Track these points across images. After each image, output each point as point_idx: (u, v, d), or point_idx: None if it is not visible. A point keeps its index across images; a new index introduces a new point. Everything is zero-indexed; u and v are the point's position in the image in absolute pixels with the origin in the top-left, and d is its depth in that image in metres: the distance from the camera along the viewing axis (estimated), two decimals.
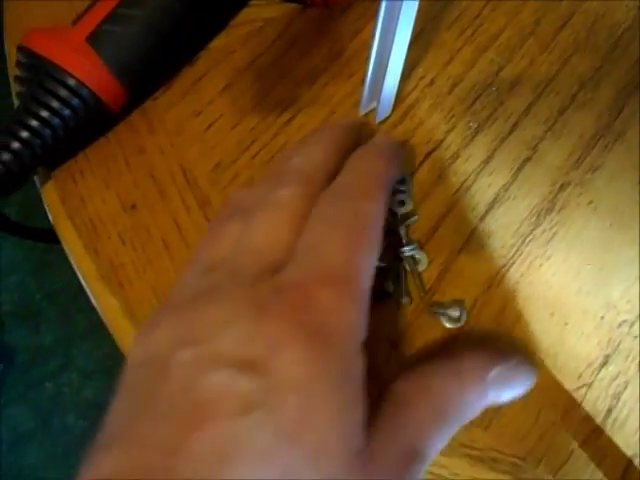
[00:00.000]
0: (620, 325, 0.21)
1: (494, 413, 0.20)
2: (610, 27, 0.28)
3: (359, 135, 0.25)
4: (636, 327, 0.21)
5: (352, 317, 0.16)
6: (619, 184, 0.24)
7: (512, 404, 0.20)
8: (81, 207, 0.26)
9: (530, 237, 0.23)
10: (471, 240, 0.23)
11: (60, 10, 0.32)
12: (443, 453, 0.20)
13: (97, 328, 1.24)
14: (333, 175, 0.20)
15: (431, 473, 0.19)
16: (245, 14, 0.31)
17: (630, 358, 0.21)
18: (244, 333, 0.15)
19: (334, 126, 0.24)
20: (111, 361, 1.07)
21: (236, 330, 0.15)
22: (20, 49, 0.27)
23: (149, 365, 0.16)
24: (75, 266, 0.26)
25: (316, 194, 0.19)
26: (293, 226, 0.18)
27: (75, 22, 0.27)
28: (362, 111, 0.27)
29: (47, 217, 0.28)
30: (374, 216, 0.18)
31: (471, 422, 0.20)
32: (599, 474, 0.19)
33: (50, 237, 0.32)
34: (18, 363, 1.06)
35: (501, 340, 0.21)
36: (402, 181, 0.24)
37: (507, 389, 0.18)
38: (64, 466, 0.98)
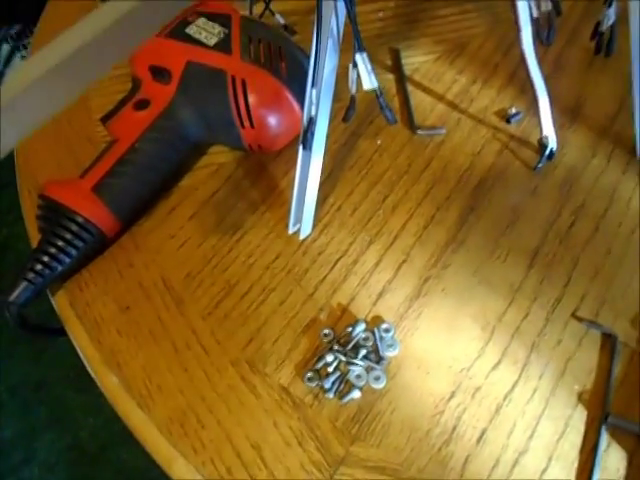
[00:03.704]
0: (461, 371, 0.32)
1: (382, 435, 0.30)
2: (456, 168, 0.41)
3: None
4: (471, 372, 0.32)
5: None
6: (461, 276, 0.36)
7: (392, 428, 0.30)
8: (87, 310, 0.36)
9: (405, 315, 0.34)
10: (367, 319, 0.34)
11: (65, 160, 0.43)
12: (347, 465, 0.29)
13: (59, 419, 1.26)
14: None
15: (339, 479, 0.29)
16: (204, 160, 0.43)
17: (467, 392, 0.31)
18: None
19: None
20: (74, 452, 1.09)
21: None
22: (41, 196, 0.37)
23: None
24: (82, 354, 0.35)
25: None
26: None
27: (82, 175, 0.38)
28: (290, 231, 0.38)
29: None
30: None
31: (367, 442, 0.30)
32: (449, 469, 0.29)
33: (51, 332, 0.40)
34: None
35: None
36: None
37: None
38: None
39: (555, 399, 0.31)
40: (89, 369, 0.35)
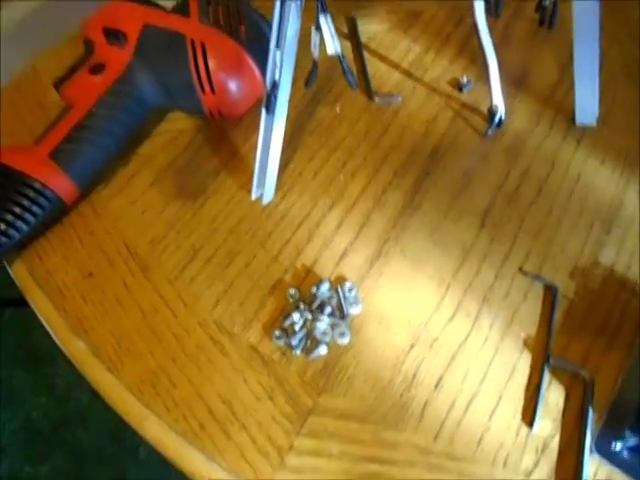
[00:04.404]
0: (419, 325, 0.34)
1: (348, 386, 0.32)
2: (411, 135, 0.43)
3: None
4: (429, 325, 0.34)
5: None
6: (418, 238, 0.38)
7: (357, 379, 0.32)
8: (49, 278, 0.35)
9: (367, 275, 0.36)
10: (331, 279, 0.36)
11: (15, 126, 0.42)
12: (316, 414, 0.31)
13: (9, 400, 1.22)
14: None
15: (311, 429, 0.30)
16: (163, 127, 0.43)
17: (425, 343, 0.34)
18: None
19: None
20: (26, 433, 1.06)
21: None
22: None
23: None
24: (46, 323, 0.35)
25: None
26: None
27: (37, 141, 0.37)
28: (253, 196, 0.39)
29: None
30: None
31: (334, 393, 0.32)
32: (409, 413, 0.31)
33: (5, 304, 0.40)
34: None
35: None
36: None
37: None
38: None
39: (504, 346, 0.34)
40: (54, 337, 0.35)
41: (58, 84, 0.39)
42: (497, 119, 0.41)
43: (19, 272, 0.36)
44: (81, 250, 0.37)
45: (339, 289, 0.35)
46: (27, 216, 0.35)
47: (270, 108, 0.34)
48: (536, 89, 0.45)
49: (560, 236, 0.38)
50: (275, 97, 0.34)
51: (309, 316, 0.34)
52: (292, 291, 0.35)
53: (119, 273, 0.36)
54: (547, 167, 0.41)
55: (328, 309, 0.34)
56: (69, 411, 1.07)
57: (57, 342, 0.34)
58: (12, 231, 0.35)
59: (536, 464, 0.30)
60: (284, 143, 0.37)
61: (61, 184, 0.36)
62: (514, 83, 0.45)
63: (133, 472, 1.00)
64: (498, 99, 0.40)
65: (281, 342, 0.33)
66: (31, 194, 0.35)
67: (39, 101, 0.43)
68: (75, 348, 0.34)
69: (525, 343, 0.34)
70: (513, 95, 0.44)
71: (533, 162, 0.41)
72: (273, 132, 0.36)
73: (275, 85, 0.33)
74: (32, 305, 0.36)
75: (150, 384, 0.32)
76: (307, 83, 0.36)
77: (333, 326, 0.34)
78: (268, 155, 0.37)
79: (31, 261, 0.36)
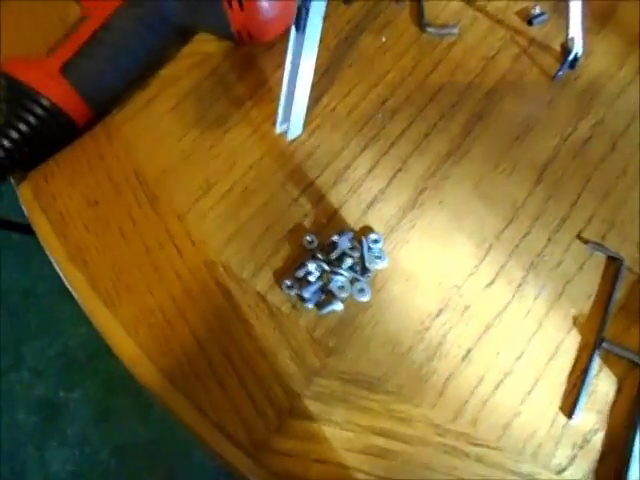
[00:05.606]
0: (451, 288, 0.30)
1: (362, 349, 0.28)
2: (466, 72, 0.37)
3: None
4: (462, 290, 0.30)
5: None
6: (461, 189, 0.33)
7: (374, 343, 0.29)
8: (52, 202, 0.33)
9: (397, 227, 0.32)
10: (354, 229, 0.32)
11: (33, 39, 0.39)
12: (322, 376, 0.28)
13: (48, 328, 1.25)
14: None
15: (316, 392, 0.27)
16: (189, 48, 0.39)
17: (456, 310, 0.29)
18: None
19: None
20: (63, 360, 1.10)
21: None
22: (2, 74, 0.33)
23: None
24: (47, 250, 0.33)
25: None
26: None
27: (49, 53, 0.34)
28: (277, 130, 0.35)
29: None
30: None
31: (345, 355, 0.28)
32: (429, 386, 0.28)
33: (23, 229, 0.38)
34: None
35: None
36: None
37: None
38: (13, 461, 1.00)
39: (548, 321, 0.29)
40: (55, 265, 0.32)
41: None
42: (572, 57, 0.34)
43: (24, 194, 0.34)
44: (89, 176, 0.34)
45: (363, 240, 0.31)
46: (32, 134, 0.32)
47: (300, 24, 0.29)
48: (625, 26, 0.38)
49: (633, 200, 0.32)
50: (307, 10, 0.29)
51: (326, 267, 0.30)
52: (309, 238, 0.31)
53: (126, 203, 0.33)
54: (626, 119, 0.35)
55: (348, 261, 0.30)
56: (105, 343, 1.10)
57: (57, 270, 0.32)
58: (16, 149, 0.32)
59: (571, 461, 0.26)
60: (318, 75, 0.33)
61: (71, 102, 0.33)
62: (599, 17, 0.38)
63: (159, 406, 1.02)
64: (576, 31, 0.33)
65: (292, 293, 0.30)
66: (38, 112, 0.32)
67: (60, 16, 0.40)
68: (74, 279, 0.31)
69: (575, 321, 0.29)
70: (595, 31, 0.37)
71: (609, 112, 0.35)
72: (303, 55, 0.31)
73: None
74: (35, 229, 0.33)
75: (147, 324, 0.29)
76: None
77: (352, 281, 0.30)
78: (296, 83, 0.32)
79: (37, 183, 0.34)
